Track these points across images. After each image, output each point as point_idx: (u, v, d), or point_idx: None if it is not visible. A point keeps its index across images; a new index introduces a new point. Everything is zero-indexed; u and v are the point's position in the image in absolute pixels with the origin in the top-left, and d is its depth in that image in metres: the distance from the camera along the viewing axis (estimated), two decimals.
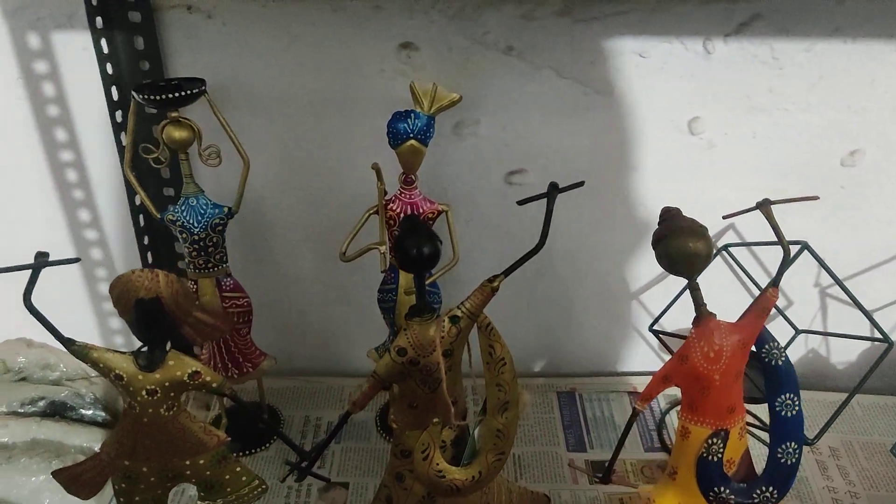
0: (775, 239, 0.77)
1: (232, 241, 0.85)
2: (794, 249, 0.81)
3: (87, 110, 0.87)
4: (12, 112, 0.88)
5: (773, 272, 0.94)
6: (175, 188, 0.89)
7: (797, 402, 0.63)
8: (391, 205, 0.79)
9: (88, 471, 0.64)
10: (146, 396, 0.60)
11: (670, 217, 0.61)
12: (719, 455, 0.64)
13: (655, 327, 0.90)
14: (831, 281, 0.86)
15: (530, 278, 0.97)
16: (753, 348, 0.63)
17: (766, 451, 0.67)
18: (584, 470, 0.84)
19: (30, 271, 0.56)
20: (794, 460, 0.64)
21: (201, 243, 0.79)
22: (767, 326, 0.96)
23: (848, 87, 0.83)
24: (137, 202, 0.87)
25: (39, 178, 0.92)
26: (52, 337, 0.59)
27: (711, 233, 0.88)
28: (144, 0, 0.81)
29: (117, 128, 0.84)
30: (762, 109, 0.85)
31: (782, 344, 0.91)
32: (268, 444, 0.92)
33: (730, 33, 0.81)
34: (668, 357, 0.72)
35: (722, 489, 0.64)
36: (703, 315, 0.61)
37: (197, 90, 0.74)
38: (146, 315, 0.56)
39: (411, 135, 0.75)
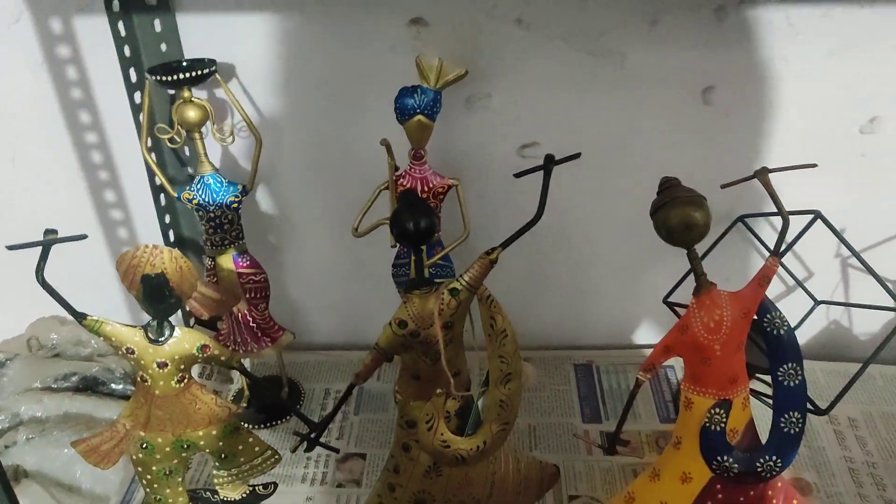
0: (792, 208, 0.77)
1: (250, 219, 0.87)
2: (807, 219, 0.80)
3: (109, 93, 0.90)
4: (37, 96, 0.91)
5: (800, 255, 0.94)
6: (195, 168, 0.91)
7: (800, 372, 0.62)
8: (401, 180, 0.80)
9: (106, 442, 0.67)
10: (157, 369, 0.63)
11: (669, 186, 0.61)
12: (722, 424, 0.63)
13: (670, 299, 0.90)
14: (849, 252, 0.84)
15: (547, 252, 0.97)
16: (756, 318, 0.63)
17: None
18: (589, 441, 0.85)
19: (40, 249, 0.58)
20: (797, 430, 0.63)
21: (217, 221, 0.82)
22: (788, 297, 0.95)
23: (866, 53, 0.81)
24: (157, 182, 0.89)
25: (66, 160, 0.95)
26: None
27: (728, 204, 0.88)
28: None
29: (136, 109, 0.86)
30: (778, 77, 0.83)
31: (802, 315, 0.91)
32: (289, 417, 0.94)
33: (743, 0, 0.80)
34: None
35: (725, 458, 0.64)
36: (702, 285, 0.61)
37: (208, 70, 0.76)
38: (152, 290, 0.59)
39: (418, 110, 0.75)
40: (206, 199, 0.80)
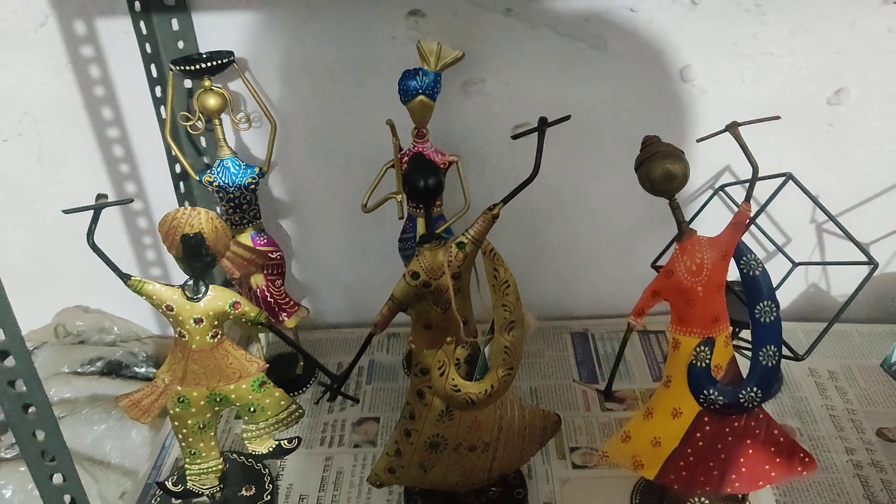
0: (767, 174, 0.84)
1: (262, 204, 0.94)
2: (779, 182, 0.87)
3: (129, 90, 0.97)
4: (61, 95, 0.97)
5: (770, 212, 1.01)
6: (210, 157, 0.98)
7: (775, 309, 0.69)
8: (406, 158, 0.87)
9: (147, 396, 0.73)
10: (193, 325, 0.69)
11: (650, 143, 0.67)
12: (707, 361, 0.70)
13: (658, 263, 0.96)
14: (826, 217, 0.91)
15: (540, 226, 1.04)
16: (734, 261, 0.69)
17: None
18: (587, 385, 0.92)
19: (91, 213, 0.64)
20: (774, 362, 0.70)
21: (236, 201, 0.88)
22: (769, 263, 1.02)
23: (828, 30, 0.88)
24: (178, 170, 0.95)
25: (89, 155, 1.02)
26: (113, 273, 0.67)
27: (712, 173, 0.95)
28: None
29: (157, 102, 0.93)
30: (748, 55, 0.91)
31: (781, 276, 0.98)
32: (304, 388, 1.00)
33: None
34: None
35: (711, 392, 0.70)
36: (684, 232, 0.68)
37: (226, 60, 0.83)
38: (190, 249, 0.65)
39: (420, 90, 0.82)
40: (226, 181, 0.87)
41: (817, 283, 1.07)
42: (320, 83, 0.95)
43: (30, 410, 0.68)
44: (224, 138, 0.87)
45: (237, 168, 0.88)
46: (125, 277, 0.67)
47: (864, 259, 0.86)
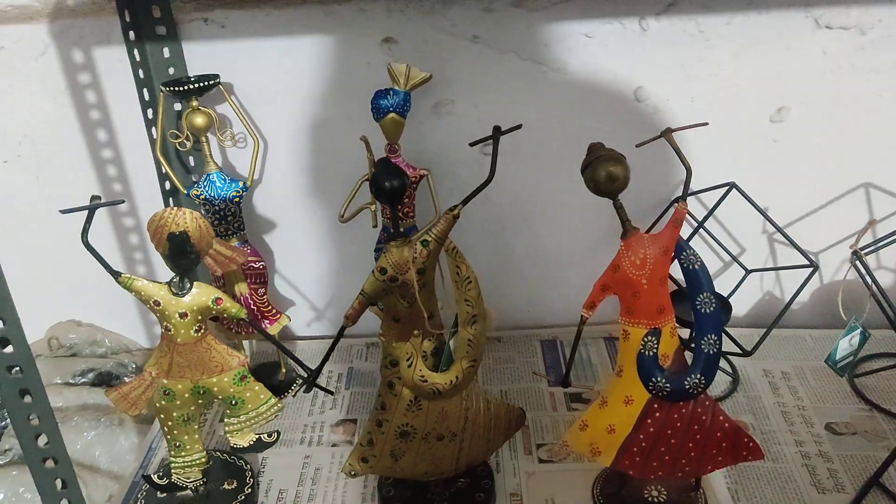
0: (713, 183, 0.92)
1: (250, 218, 1.00)
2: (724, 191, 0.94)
3: (122, 113, 1.04)
4: (58, 118, 1.04)
5: (723, 223, 1.08)
6: (198, 174, 1.05)
7: (713, 300, 0.75)
8: None
9: (135, 389, 0.78)
10: (178, 319, 0.75)
11: (594, 148, 0.74)
12: (654, 350, 0.76)
13: None
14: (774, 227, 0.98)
15: (510, 239, 1.10)
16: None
17: None
18: (545, 376, 1.02)
19: (86, 213, 0.70)
20: (715, 350, 0.75)
21: (221, 213, 0.94)
22: (725, 273, 1.09)
23: (766, 52, 0.96)
24: (167, 187, 1.02)
25: (84, 174, 1.08)
26: (105, 270, 0.73)
27: (665, 191, 1.02)
28: (169, 16, 0.97)
29: (148, 124, 1.00)
30: (696, 77, 0.98)
31: (734, 284, 1.04)
32: (284, 395, 1.05)
33: (660, 12, 0.95)
34: None
35: (659, 379, 0.76)
36: (628, 230, 0.74)
37: (213, 82, 0.90)
38: (176, 246, 0.71)
39: (391, 109, 0.89)
40: (212, 194, 0.93)
41: (771, 290, 1.13)
42: (300, 105, 1.02)
43: (31, 417, 0.74)
44: (210, 155, 0.94)
45: (222, 182, 0.94)
46: (116, 274, 0.73)
47: (805, 262, 0.92)
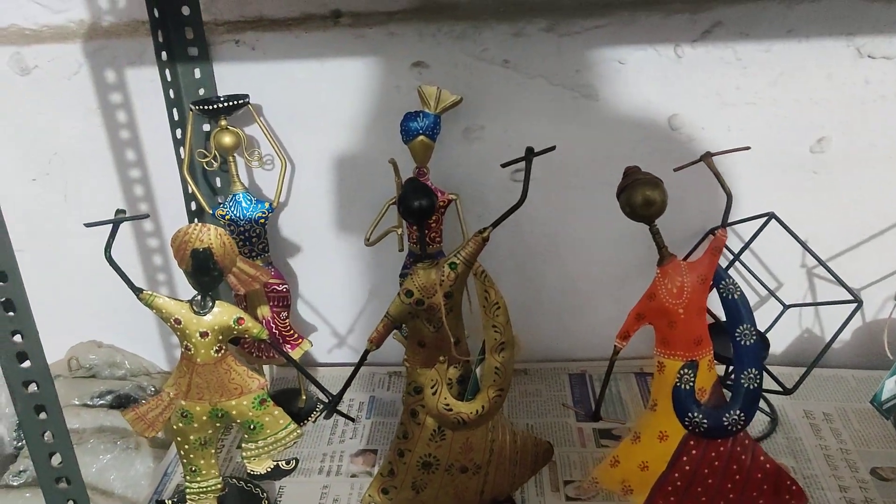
0: (751, 214, 0.89)
1: (275, 241, 0.98)
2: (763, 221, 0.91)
3: (152, 132, 1.03)
4: (89, 138, 1.04)
5: (761, 257, 1.04)
6: (224, 195, 1.04)
7: (754, 332, 0.72)
8: None
9: (152, 409, 0.76)
10: (199, 338, 0.73)
11: (631, 172, 0.72)
12: (691, 384, 0.72)
13: None
14: (815, 261, 0.94)
15: (539, 268, 1.08)
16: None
17: None
18: (573, 408, 0.97)
19: (110, 227, 0.69)
20: (755, 385, 0.72)
21: (246, 234, 0.93)
22: (762, 307, 1.05)
23: (806, 81, 0.94)
24: (193, 207, 1.01)
25: (112, 194, 1.08)
26: (126, 286, 0.72)
27: (700, 220, 0.99)
28: (201, 37, 0.97)
29: (177, 144, 0.99)
30: (732, 105, 0.96)
31: (771, 320, 1.00)
32: (305, 422, 1.02)
33: (696, 39, 0.93)
34: None
35: (695, 414, 0.72)
36: (665, 256, 0.72)
37: (242, 101, 0.89)
38: (200, 263, 0.69)
39: (420, 132, 0.88)
40: (237, 215, 0.92)
41: (810, 327, 1.09)
42: (328, 128, 1.01)
43: (45, 434, 0.73)
44: (237, 174, 0.93)
45: (248, 202, 0.93)
46: (137, 291, 0.72)
47: (848, 297, 0.89)
